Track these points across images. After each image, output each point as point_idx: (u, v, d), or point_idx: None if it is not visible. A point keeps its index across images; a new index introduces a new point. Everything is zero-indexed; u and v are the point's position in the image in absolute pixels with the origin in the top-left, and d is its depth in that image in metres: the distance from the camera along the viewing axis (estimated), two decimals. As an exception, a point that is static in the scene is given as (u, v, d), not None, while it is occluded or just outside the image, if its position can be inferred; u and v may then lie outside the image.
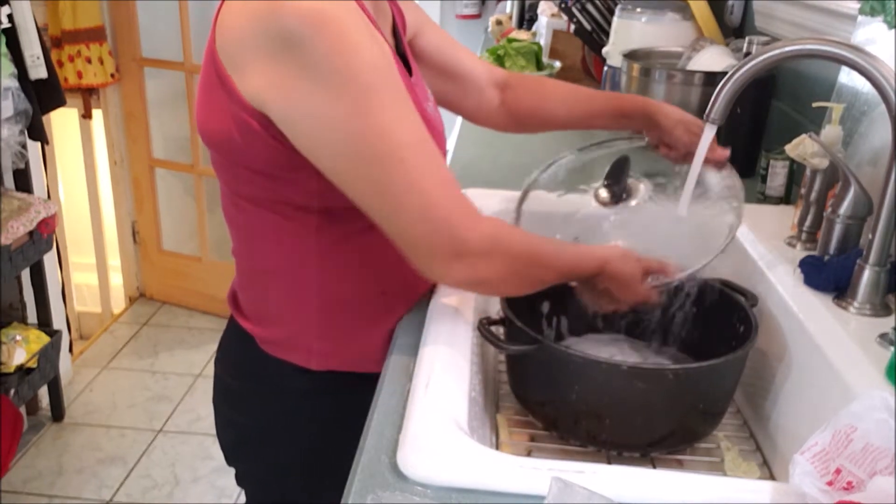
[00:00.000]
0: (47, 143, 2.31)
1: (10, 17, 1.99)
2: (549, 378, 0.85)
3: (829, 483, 0.59)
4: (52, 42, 2.62)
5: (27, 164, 2.19)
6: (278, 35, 0.72)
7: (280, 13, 0.72)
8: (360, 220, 0.80)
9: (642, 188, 0.99)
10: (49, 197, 2.46)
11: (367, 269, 0.90)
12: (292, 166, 0.79)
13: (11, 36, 2.02)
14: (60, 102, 2.24)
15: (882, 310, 0.89)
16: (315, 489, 0.97)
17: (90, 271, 3.16)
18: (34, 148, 2.29)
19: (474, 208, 0.79)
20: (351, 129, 0.74)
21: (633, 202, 0.99)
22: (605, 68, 1.90)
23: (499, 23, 2.70)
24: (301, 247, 0.87)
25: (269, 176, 0.83)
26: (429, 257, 0.79)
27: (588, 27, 2.03)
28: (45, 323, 2.36)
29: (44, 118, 2.19)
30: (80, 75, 2.70)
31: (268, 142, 0.79)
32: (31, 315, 2.37)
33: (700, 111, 0.98)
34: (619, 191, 0.99)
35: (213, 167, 0.90)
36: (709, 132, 0.95)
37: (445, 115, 1.04)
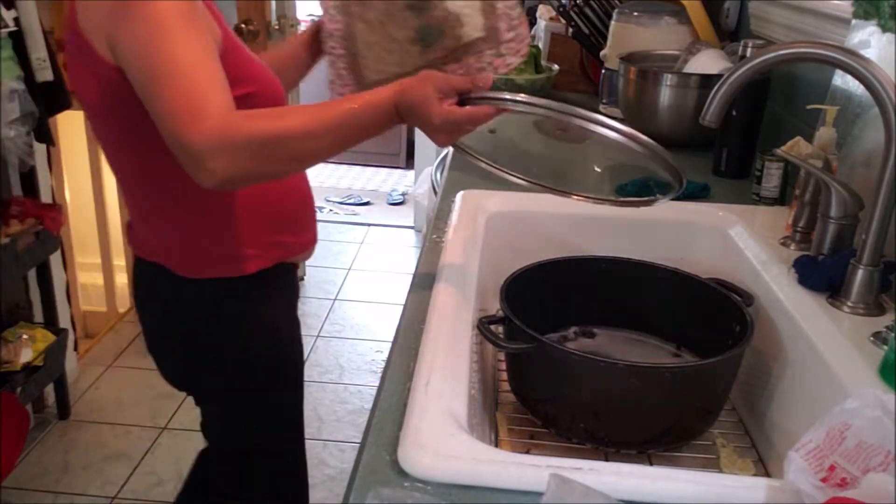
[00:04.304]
0: (53, 145, 2.32)
1: (16, 20, 2.00)
2: (548, 376, 0.86)
3: (824, 480, 0.60)
4: (57, 45, 2.63)
5: (33, 165, 2.21)
6: None
7: None
8: None
9: None
10: (55, 198, 2.47)
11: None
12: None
13: (18, 39, 2.03)
14: (66, 105, 2.25)
15: (875, 309, 0.90)
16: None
17: (95, 271, 3.16)
18: (40, 150, 2.31)
19: (203, 105, 0.84)
20: (143, 53, 0.87)
21: None
22: (603, 71, 1.91)
23: (499, 25, 2.70)
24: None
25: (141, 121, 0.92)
26: (184, 164, 0.86)
27: (586, 31, 2.04)
28: (50, 322, 2.38)
29: (50, 120, 2.21)
30: (84, 77, 2.72)
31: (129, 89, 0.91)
32: (38, 314, 2.39)
33: (696, 113, 0.99)
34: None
35: (96, 134, 1.05)
36: None
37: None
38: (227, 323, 1.13)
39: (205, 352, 1.15)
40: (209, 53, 0.89)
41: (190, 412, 2.50)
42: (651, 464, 0.86)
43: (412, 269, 1.06)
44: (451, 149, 1.48)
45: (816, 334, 0.87)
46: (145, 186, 1.07)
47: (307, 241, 1.20)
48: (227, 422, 1.22)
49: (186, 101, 0.84)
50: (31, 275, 2.33)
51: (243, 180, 0.90)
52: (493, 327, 0.87)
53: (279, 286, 1.17)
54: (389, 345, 0.89)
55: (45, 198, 2.35)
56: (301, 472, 1.31)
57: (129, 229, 1.16)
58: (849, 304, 0.91)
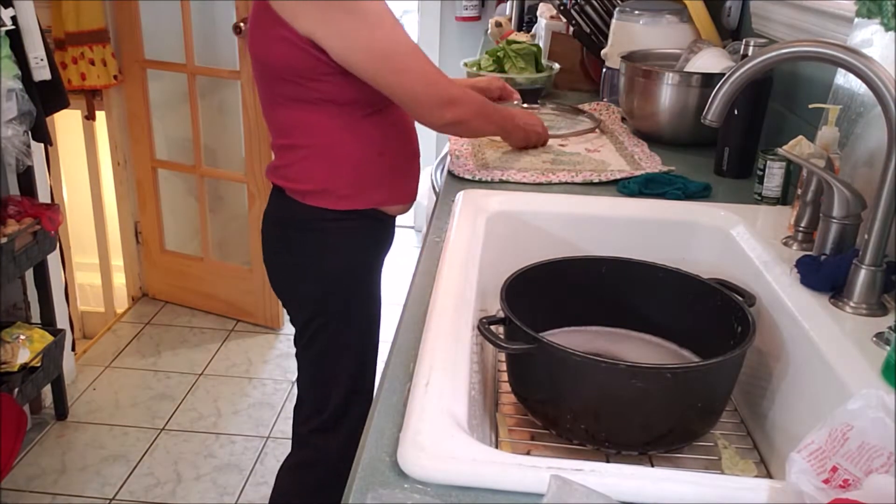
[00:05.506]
0: (51, 144, 2.32)
1: (13, 19, 1.99)
2: (548, 377, 0.85)
3: (826, 481, 0.60)
4: (55, 44, 2.63)
5: (30, 165, 2.20)
6: None
7: None
8: (367, 107, 1.31)
9: None
10: (53, 198, 2.47)
11: (372, 140, 1.35)
12: (328, 72, 1.25)
13: (15, 38, 2.03)
14: (64, 104, 2.25)
15: (878, 309, 0.90)
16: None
17: (93, 271, 3.17)
18: (38, 149, 2.30)
19: (432, 75, 1.28)
20: (372, 41, 1.22)
21: None
22: (604, 70, 1.91)
23: (498, 25, 2.70)
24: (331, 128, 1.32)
25: (312, 79, 1.26)
26: (429, 107, 1.28)
27: (587, 29, 2.04)
28: (48, 322, 2.38)
29: (47, 120, 2.20)
30: (83, 77, 2.71)
31: (314, 56, 1.23)
32: (35, 314, 2.39)
33: (698, 112, 0.99)
34: None
35: (256, 81, 1.36)
36: None
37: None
38: (310, 244, 1.38)
39: (292, 264, 1.41)
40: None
41: (188, 413, 2.50)
42: (652, 465, 0.86)
43: (412, 269, 1.06)
44: (449, 149, 1.54)
45: (819, 335, 0.86)
46: (289, 128, 1.35)
47: (401, 197, 1.43)
48: (303, 328, 1.44)
49: (422, 75, 1.26)
50: (29, 275, 2.32)
51: (464, 124, 1.33)
52: (493, 328, 0.86)
53: (366, 228, 1.40)
54: (389, 345, 0.89)
55: (43, 197, 2.35)
56: (365, 396, 1.51)
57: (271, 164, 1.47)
58: (851, 304, 0.91)
